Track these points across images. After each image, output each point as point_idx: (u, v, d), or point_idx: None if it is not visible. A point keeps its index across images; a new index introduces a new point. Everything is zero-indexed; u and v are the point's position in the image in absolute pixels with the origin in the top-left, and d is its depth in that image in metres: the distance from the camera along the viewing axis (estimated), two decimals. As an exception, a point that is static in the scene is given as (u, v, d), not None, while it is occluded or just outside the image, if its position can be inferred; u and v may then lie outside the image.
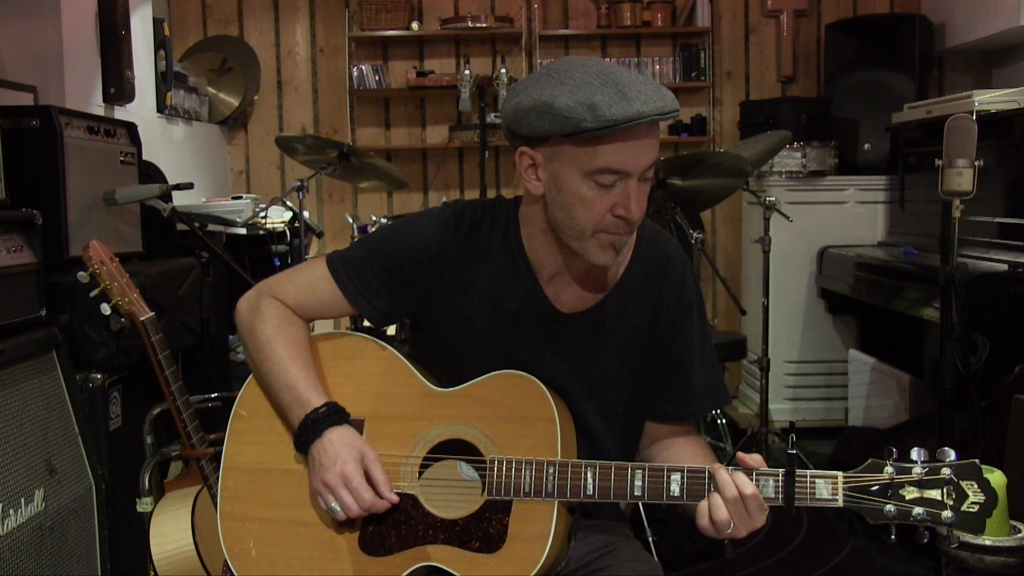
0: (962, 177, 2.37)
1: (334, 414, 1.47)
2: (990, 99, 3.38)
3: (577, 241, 1.44)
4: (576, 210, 1.41)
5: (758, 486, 1.33)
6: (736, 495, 1.32)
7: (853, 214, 4.51)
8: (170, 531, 2.17)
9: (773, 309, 3.80)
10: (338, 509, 1.43)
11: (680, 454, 1.56)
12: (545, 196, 1.44)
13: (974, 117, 2.52)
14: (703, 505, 1.34)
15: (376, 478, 1.44)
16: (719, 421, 3.62)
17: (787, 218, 3.66)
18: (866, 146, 4.61)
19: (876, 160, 4.59)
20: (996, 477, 2.07)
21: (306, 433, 1.47)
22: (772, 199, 3.56)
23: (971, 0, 4.31)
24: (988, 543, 2.07)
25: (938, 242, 2.57)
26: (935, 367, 3.18)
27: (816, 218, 4.45)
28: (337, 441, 1.45)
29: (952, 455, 1.30)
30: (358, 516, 1.44)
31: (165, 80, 4.00)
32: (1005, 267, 2.98)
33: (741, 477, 1.33)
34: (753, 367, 4.36)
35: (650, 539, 2.80)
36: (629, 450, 1.63)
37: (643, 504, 2.82)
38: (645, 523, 2.81)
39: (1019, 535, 2.09)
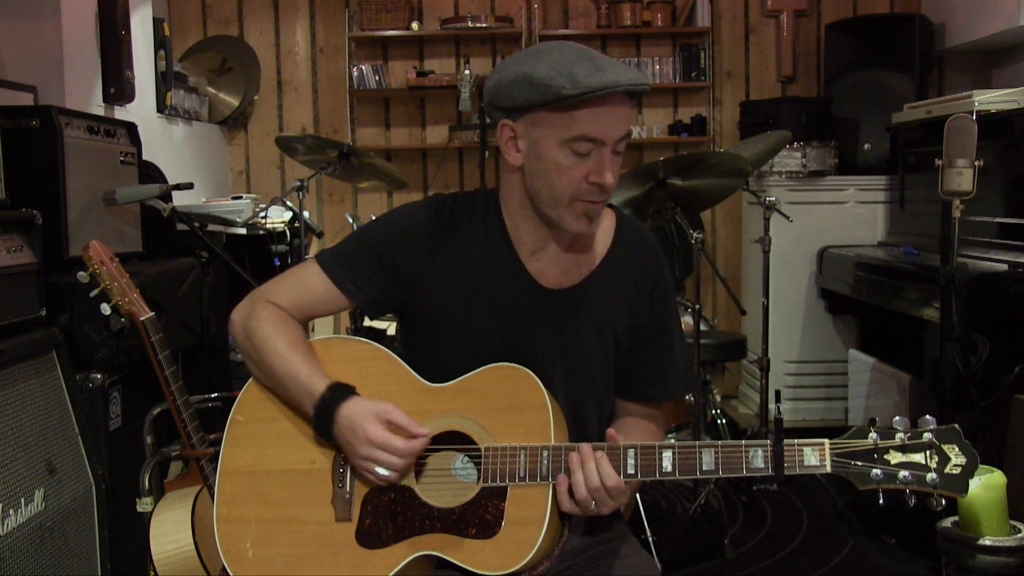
0: (962, 177, 2.38)
1: (338, 393, 1.50)
2: (990, 99, 3.38)
3: (553, 209, 1.51)
4: (553, 177, 1.48)
5: (747, 456, 1.37)
6: (598, 485, 1.39)
7: (853, 214, 4.51)
8: (170, 531, 2.17)
9: (773, 309, 3.81)
10: (386, 472, 1.46)
11: (642, 432, 1.61)
12: (524, 167, 1.52)
13: (974, 117, 2.52)
14: (563, 489, 1.41)
15: (399, 422, 1.47)
16: (719, 421, 3.61)
17: (787, 218, 3.65)
18: (866, 146, 4.61)
19: (876, 160, 4.59)
20: (996, 477, 2.07)
21: (323, 422, 1.50)
22: (772, 199, 3.56)
23: (971, 0, 4.31)
24: (988, 543, 2.07)
25: (938, 242, 2.57)
26: (935, 367, 3.18)
27: (816, 218, 4.45)
28: (350, 415, 1.48)
29: (933, 421, 1.34)
30: (407, 467, 1.47)
31: (165, 80, 4.01)
32: (1005, 267, 2.98)
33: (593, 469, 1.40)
34: (753, 367, 4.36)
35: (650, 539, 2.80)
36: (605, 428, 1.66)
37: (642, 503, 2.82)
38: (645, 523, 2.81)
39: (1019, 535, 2.09)
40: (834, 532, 3.28)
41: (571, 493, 1.40)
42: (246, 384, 1.62)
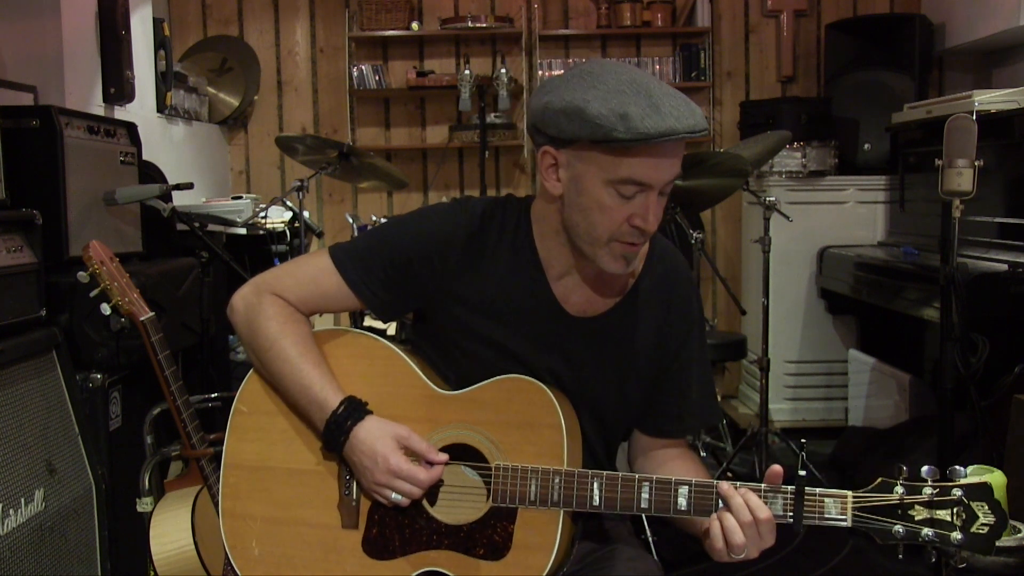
0: (962, 177, 2.37)
1: (354, 411, 1.47)
2: (990, 99, 3.38)
3: (590, 246, 1.44)
4: (594, 215, 1.40)
5: (766, 502, 1.33)
6: (751, 520, 1.32)
7: (853, 214, 4.51)
8: (170, 531, 2.17)
9: (773, 309, 3.80)
10: (400, 498, 1.44)
11: (673, 468, 1.56)
12: (563, 197, 1.44)
13: (974, 117, 2.52)
14: (716, 528, 1.34)
15: (418, 449, 1.44)
16: (719, 421, 3.62)
17: (787, 218, 3.66)
18: (866, 146, 4.60)
19: (876, 160, 4.59)
20: (996, 477, 2.07)
21: (334, 437, 1.46)
22: (772, 199, 3.56)
23: (971, 0, 4.32)
24: (988, 543, 2.07)
25: (938, 242, 2.57)
26: (935, 367, 3.18)
27: (816, 218, 4.45)
28: (368, 438, 1.44)
29: (963, 473, 1.29)
30: (423, 495, 1.46)
31: (165, 80, 4.01)
32: (1005, 267, 2.98)
33: (755, 500, 1.33)
34: (753, 367, 4.36)
35: (650, 539, 2.80)
36: (613, 453, 1.65)
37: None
38: (645, 523, 2.81)
39: (1019, 535, 2.09)
40: (834, 532, 3.27)
41: (725, 539, 1.33)
42: (249, 372, 1.59)
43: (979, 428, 2.69)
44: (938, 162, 2.42)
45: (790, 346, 4.54)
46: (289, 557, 1.49)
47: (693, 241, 3.15)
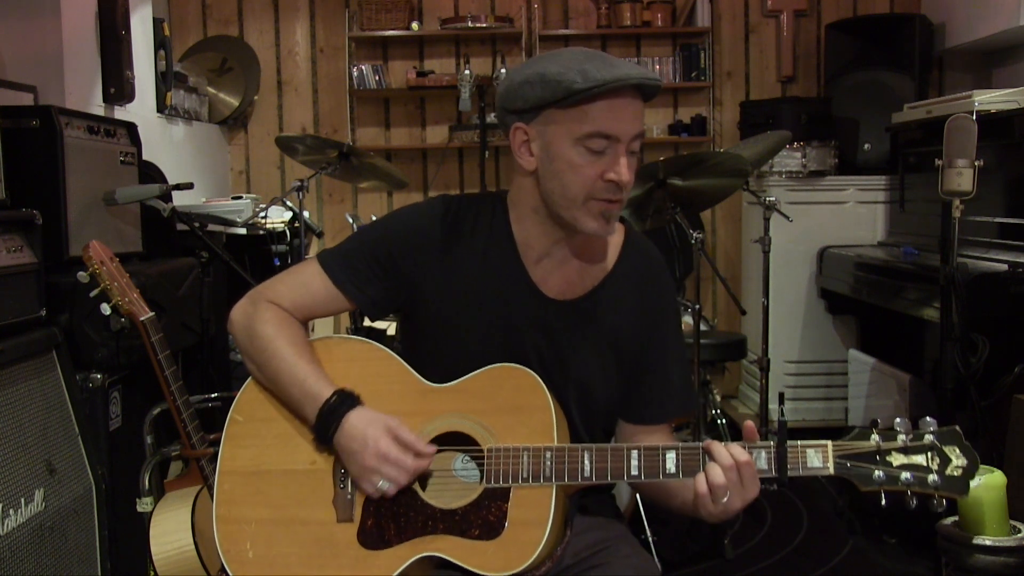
0: (962, 177, 2.38)
1: (346, 400, 1.50)
2: (990, 99, 3.38)
3: (568, 210, 1.49)
4: (567, 176, 1.46)
5: (750, 455, 1.37)
6: (732, 463, 1.36)
7: (853, 214, 4.51)
8: (170, 531, 2.17)
9: (773, 309, 3.80)
10: (387, 486, 1.46)
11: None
12: (537, 170, 1.50)
13: (974, 117, 2.52)
14: (701, 477, 1.38)
15: (407, 440, 1.46)
16: (719, 421, 3.62)
17: (787, 218, 3.66)
18: (866, 146, 4.61)
19: (876, 160, 4.59)
20: (996, 477, 2.08)
21: (325, 424, 1.49)
22: (772, 199, 3.56)
23: (971, 0, 4.32)
24: (988, 543, 2.08)
25: (938, 242, 2.57)
26: (935, 367, 3.18)
27: (816, 218, 4.45)
28: (359, 423, 1.47)
29: (933, 423, 1.35)
30: (408, 484, 1.47)
31: (165, 80, 4.01)
32: (1005, 267, 2.98)
33: (736, 447, 1.38)
34: (753, 367, 4.36)
35: (650, 539, 2.80)
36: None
37: (643, 503, 2.82)
38: (645, 523, 2.81)
39: (1019, 535, 2.09)
40: (834, 532, 3.28)
41: (708, 482, 1.37)
42: (245, 383, 1.61)
43: (979, 428, 2.69)
44: (938, 162, 2.42)
45: (790, 346, 4.54)
46: (284, 556, 1.49)
47: (693, 241, 3.14)
